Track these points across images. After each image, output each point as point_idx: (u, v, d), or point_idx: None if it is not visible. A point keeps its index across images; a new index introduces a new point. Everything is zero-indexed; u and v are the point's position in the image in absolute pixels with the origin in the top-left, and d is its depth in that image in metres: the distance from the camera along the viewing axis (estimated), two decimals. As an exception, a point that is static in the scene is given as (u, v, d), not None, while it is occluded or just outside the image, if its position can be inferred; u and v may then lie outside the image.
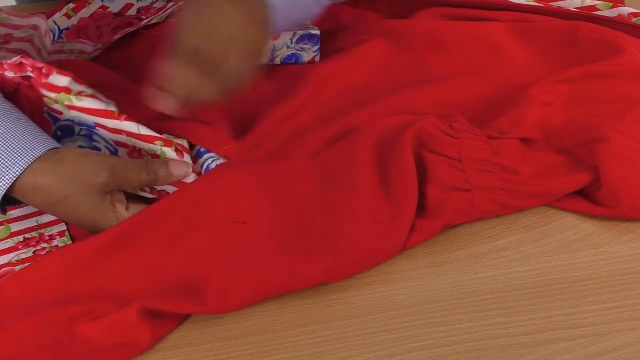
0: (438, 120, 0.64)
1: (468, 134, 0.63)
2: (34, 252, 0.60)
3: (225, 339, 0.54)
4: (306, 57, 0.76)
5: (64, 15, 0.82)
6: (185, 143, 0.65)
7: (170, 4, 0.84)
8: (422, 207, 0.60)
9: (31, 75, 0.61)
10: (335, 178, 0.63)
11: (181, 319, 0.55)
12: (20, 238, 0.62)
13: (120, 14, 0.83)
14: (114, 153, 0.64)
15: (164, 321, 0.54)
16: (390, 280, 0.57)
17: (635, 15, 0.78)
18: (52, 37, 0.79)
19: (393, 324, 0.54)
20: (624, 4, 0.81)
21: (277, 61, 0.76)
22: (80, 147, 0.64)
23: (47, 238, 0.62)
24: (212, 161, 0.64)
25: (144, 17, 0.83)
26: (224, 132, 0.66)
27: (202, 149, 0.65)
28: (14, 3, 1.02)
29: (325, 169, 0.64)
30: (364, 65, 0.75)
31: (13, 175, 0.56)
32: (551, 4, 0.82)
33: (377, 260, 0.58)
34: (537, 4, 0.80)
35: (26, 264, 0.59)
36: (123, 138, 0.63)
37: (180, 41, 0.60)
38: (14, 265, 0.59)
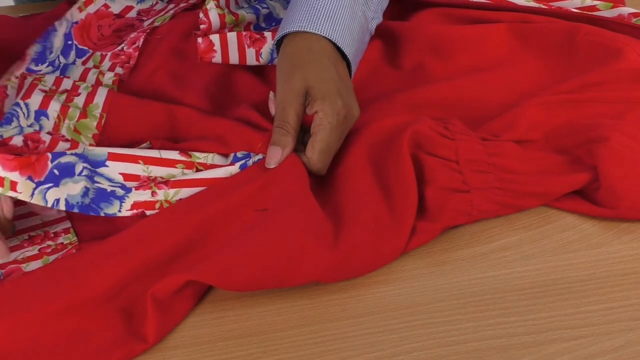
0: (433, 122, 0.64)
1: (463, 135, 0.63)
2: (39, 250, 0.60)
3: (225, 339, 0.54)
4: None
5: (77, 8, 0.82)
6: (210, 158, 0.65)
7: (171, 5, 0.84)
8: (421, 209, 0.60)
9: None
10: (335, 182, 0.63)
11: (185, 313, 0.55)
12: (25, 236, 0.62)
13: (120, 15, 0.83)
14: (121, 188, 0.61)
15: (169, 316, 0.54)
16: (390, 280, 0.57)
17: (635, 15, 0.78)
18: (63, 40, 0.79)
19: (393, 324, 0.54)
20: (624, 4, 0.81)
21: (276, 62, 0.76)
22: (85, 187, 0.60)
23: (52, 235, 0.62)
24: (246, 161, 0.65)
25: (144, 18, 0.83)
26: (252, 131, 0.66)
27: (239, 155, 0.65)
28: (12, 3, 1.02)
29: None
30: (358, 67, 0.75)
31: None
32: (551, 4, 0.82)
33: (378, 264, 0.58)
34: (538, 5, 0.80)
35: (32, 262, 0.59)
36: (138, 168, 0.63)
37: (332, 106, 0.62)
38: (20, 262, 0.59)
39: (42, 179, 0.59)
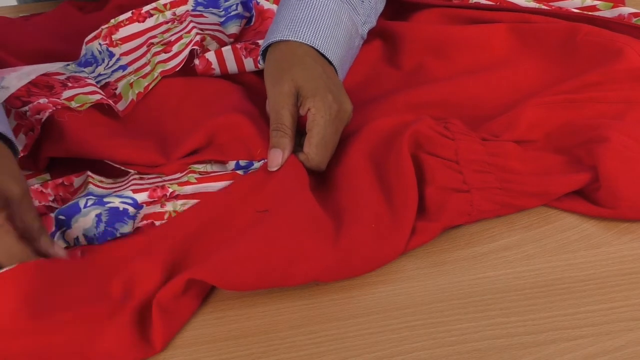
0: (433, 121, 0.64)
1: (463, 135, 0.63)
2: None
3: (225, 339, 0.54)
4: None
5: None
6: (209, 167, 0.66)
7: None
8: (421, 209, 0.60)
9: None
10: (335, 181, 0.63)
11: (189, 315, 0.55)
12: None
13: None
14: (133, 204, 0.61)
15: (174, 320, 0.54)
16: (390, 280, 0.57)
17: (635, 15, 0.78)
18: None
19: (393, 324, 0.54)
20: (624, 4, 0.81)
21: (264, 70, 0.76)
22: (96, 215, 0.60)
23: None
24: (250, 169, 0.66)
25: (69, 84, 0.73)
26: (253, 139, 0.66)
27: (241, 163, 0.66)
28: (14, 3, 1.02)
29: (323, 173, 0.65)
30: (358, 68, 0.75)
31: None
32: (551, 4, 0.82)
33: (378, 264, 0.58)
34: (538, 5, 0.80)
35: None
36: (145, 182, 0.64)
37: (323, 101, 0.63)
38: None
39: (53, 229, 0.60)
